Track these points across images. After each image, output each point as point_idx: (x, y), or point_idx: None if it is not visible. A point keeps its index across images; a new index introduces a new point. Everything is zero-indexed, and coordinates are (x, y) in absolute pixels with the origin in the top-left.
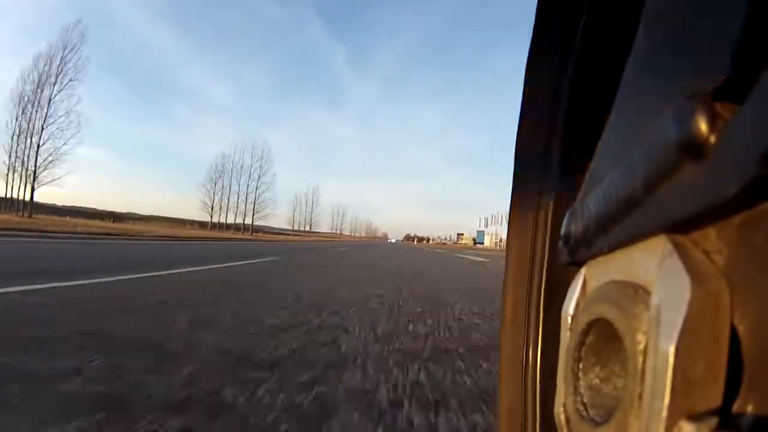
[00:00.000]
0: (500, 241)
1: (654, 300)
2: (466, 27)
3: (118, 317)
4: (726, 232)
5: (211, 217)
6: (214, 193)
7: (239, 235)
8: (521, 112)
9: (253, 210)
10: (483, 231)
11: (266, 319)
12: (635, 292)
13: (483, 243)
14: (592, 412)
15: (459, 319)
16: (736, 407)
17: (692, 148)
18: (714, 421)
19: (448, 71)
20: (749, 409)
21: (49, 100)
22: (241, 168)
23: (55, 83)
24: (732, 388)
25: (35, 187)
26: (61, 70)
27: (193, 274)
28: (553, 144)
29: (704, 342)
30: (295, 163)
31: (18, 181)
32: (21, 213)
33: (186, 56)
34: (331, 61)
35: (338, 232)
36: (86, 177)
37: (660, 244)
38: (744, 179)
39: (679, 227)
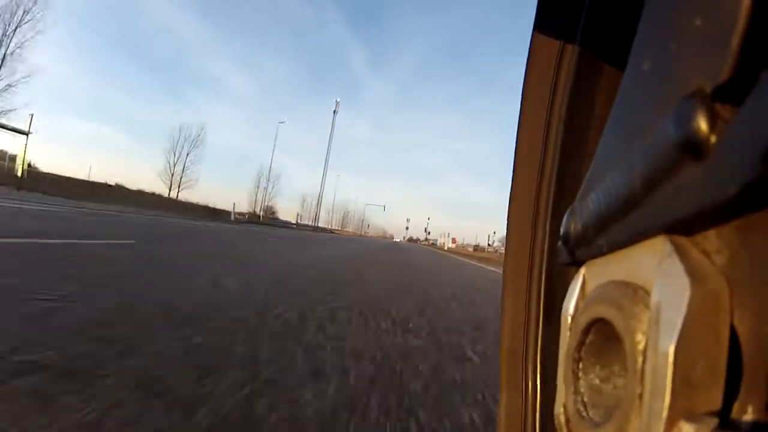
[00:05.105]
0: (445, 243)
1: (654, 300)
2: (486, 34)
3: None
4: (726, 232)
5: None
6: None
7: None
8: (521, 110)
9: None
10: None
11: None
12: (635, 292)
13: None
14: (592, 412)
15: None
16: (736, 407)
17: (692, 149)
18: (714, 421)
19: (463, 80)
20: (749, 409)
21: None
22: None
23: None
24: (732, 389)
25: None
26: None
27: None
28: (553, 143)
29: (704, 342)
30: (306, 155)
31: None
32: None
33: (205, 43)
34: (350, 60)
35: (340, 228)
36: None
37: (660, 244)
38: (744, 179)
39: (679, 227)
